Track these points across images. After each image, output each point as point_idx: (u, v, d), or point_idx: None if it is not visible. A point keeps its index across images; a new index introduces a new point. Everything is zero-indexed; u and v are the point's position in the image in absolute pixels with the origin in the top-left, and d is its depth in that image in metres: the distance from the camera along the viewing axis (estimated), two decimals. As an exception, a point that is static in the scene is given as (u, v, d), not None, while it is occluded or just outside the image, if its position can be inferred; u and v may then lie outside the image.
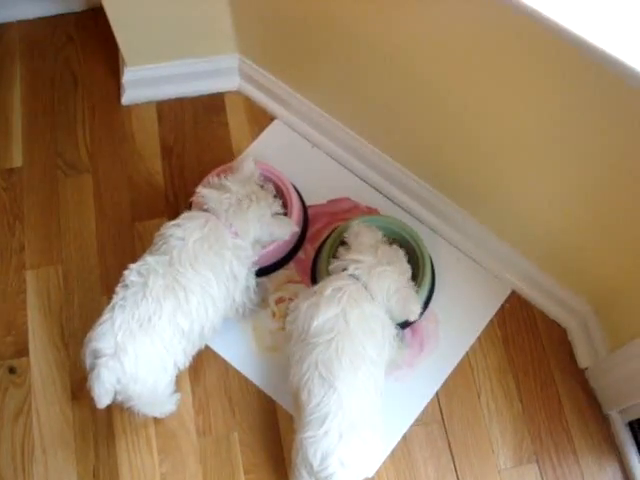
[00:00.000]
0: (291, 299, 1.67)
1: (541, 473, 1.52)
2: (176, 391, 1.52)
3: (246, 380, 1.60)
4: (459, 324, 1.64)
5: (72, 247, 1.76)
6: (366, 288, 1.39)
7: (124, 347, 1.27)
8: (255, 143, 1.88)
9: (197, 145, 1.89)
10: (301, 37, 1.63)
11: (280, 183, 1.68)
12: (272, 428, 1.56)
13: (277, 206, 1.54)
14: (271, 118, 1.91)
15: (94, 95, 1.98)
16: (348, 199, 1.79)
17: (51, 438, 1.56)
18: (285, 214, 1.60)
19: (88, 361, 1.29)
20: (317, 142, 1.85)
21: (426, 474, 1.52)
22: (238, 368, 1.61)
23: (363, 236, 1.49)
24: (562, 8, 1.00)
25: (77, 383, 1.60)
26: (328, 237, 1.68)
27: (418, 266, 1.59)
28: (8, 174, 1.86)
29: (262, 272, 1.62)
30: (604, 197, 1.31)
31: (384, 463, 1.52)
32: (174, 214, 1.75)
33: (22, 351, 1.64)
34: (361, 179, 1.81)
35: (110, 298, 1.35)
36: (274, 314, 1.66)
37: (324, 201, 1.79)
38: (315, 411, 1.26)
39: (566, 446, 1.55)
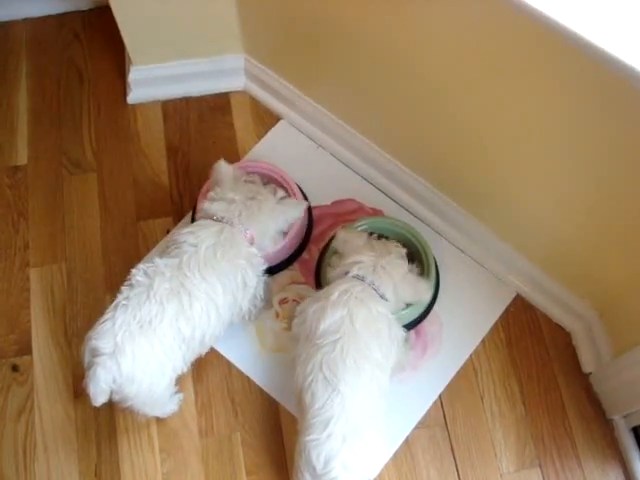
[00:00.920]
0: (295, 300, 1.67)
1: (544, 477, 1.52)
2: (178, 391, 1.52)
3: (249, 380, 1.60)
4: (463, 327, 1.64)
5: (76, 245, 1.76)
6: (374, 285, 1.39)
7: (122, 347, 1.26)
8: (260, 143, 1.87)
9: (202, 145, 1.89)
10: (307, 37, 1.63)
11: (285, 183, 1.67)
12: (275, 429, 1.56)
13: (279, 191, 1.56)
14: (277, 118, 1.91)
15: (100, 94, 1.98)
16: (353, 200, 1.79)
17: (53, 436, 1.56)
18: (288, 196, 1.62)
19: (86, 359, 1.29)
20: (322, 143, 1.85)
21: (428, 477, 1.52)
22: (241, 368, 1.61)
23: (352, 240, 1.50)
24: (573, 12, 1.00)
25: (80, 382, 1.56)
26: (332, 238, 1.67)
27: (422, 268, 1.59)
28: (13, 171, 1.86)
29: (266, 272, 1.62)
30: (609, 202, 1.30)
31: (386, 466, 1.52)
32: (179, 214, 1.77)
33: (25, 349, 1.64)
34: (366, 180, 1.81)
35: (114, 297, 1.35)
36: (278, 315, 1.66)
37: (329, 202, 1.79)
38: (318, 414, 1.26)
39: (569, 451, 1.54)
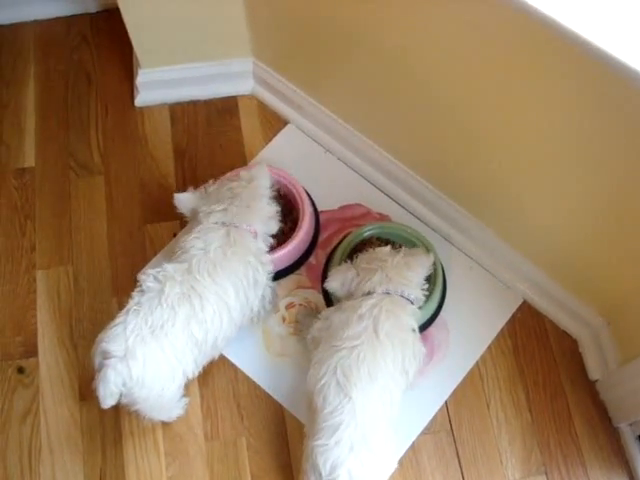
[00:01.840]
0: (302, 305, 1.67)
1: (549, 485, 1.52)
2: (184, 395, 1.51)
3: (255, 385, 1.60)
4: (470, 333, 1.64)
5: (83, 248, 1.76)
6: (403, 294, 1.41)
7: (134, 351, 1.26)
8: (268, 147, 1.87)
9: (210, 148, 1.89)
10: (316, 42, 1.63)
11: (292, 188, 1.67)
12: (280, 434, 1.56)
13: (241, 172, 1.56)
14: (284, 122, 1.91)
15: (107, 96, 1.98)
16: (360, 205, 1.79)
17: (58, 439, 1.56)
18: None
19: (97, 361, 1.29)
20: (330, 147, 1.85)
21: (434, 483, 1.52)
22: (247, 373, 1.61)
23: (343, 277, 1.47)
24: (586, 19, 1.00)
25: (85, 384, 1.59)
26: (340, 243, 1.67)
27: (429, 274, 1.58)
28: (20, 173, 1.86)
29: (273, 277, 1.62)
30: (617, 210, 1.30)
31: (392, 471, 1.52)
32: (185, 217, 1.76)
33: (31, 351, 1.64)
34: (374, 185, 1.81)
35: (120, 300, 1.35)
36: (284, 319, 1.66)
37: (336, 207, 1.79)
38: (328, 419, 1.26)
39: (575, 458, 1.53)
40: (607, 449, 1.54)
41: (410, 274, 1.44)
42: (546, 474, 1.52)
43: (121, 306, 1.36)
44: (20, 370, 1.63)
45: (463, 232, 1.70)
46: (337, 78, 1.70)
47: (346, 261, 1.52)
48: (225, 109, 1.94)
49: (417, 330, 1.41)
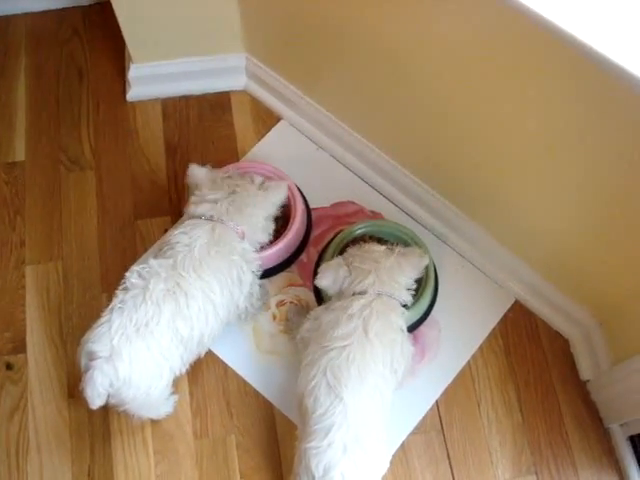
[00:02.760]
0: (293, 302, 1.66)
1: (540, 485, 1.52)
2: (173, 393, 1.50)
3: (245, 383, 1.59)
4: (461, 332, 1.63)
5: (73, 244, 1.75)
6: (392, 295, 1.39)
7: (119, 351, 1.25)
8: (260, 143, 1.86)
9: (202, 144, 1.87)
10: (309, 38, 1.61)
11: (284, 185, 1.66)
12: (270, 432, 1.55)
13: (256, 178, 1.54)
14: (277, 118, 1.90)
15: (99, 91, 1.97)
16: (353, 203, 1.78)
17: (46, 436, 1.55)
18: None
19: (83, 362, 1.28)
20: (323, 144, 1.84)
21: (424, 483, 1.51)
22: (237, 370, 1.60)
23: (335, 274, 1.45)
24: (585, 24, 0.99)
25: (74, 381, 1.58)
26: (331, 240, 1.66)
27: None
28: (10, 168, 1.85)
29: (264, 274, 1.61)
30: (610, 211, 1.30)
31: (382, 470, 1.51)
32: (177, 213, 1.75)
33: (19, 347, 1.63)
34: (366, 183, 1.80)
35: (110, 296, 1.34)
36: (275, 317, 1.65)
37: (328, 204, 1.78)
38: (320, 421, 1.25)
39: (566, 458, 1.53)
40: (598, 449, 1.54)
41: (402, 278, 1.43)
42: (536, 474, 1.52)
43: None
44: (8, 366, 1.61)
45: (456, 231, 1.70)
46: (331, 75, 1.69)
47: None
48: (217, 105, 1.93)
49: (406, 330, 1.41)
